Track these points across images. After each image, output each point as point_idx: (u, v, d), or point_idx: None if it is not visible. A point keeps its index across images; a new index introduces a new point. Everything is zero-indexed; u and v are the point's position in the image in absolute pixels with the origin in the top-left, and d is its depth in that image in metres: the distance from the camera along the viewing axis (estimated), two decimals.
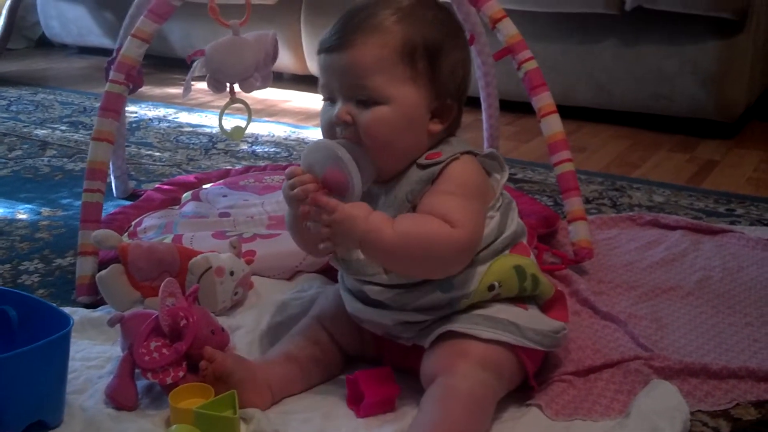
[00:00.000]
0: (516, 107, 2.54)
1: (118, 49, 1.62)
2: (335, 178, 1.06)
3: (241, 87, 1.69)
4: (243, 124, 1.78)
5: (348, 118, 1.08)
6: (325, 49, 1.10)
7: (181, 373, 1.11)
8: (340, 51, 1.08)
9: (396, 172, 1.11)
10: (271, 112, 2.95)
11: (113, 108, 1.50)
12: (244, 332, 1.29)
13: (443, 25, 1.12)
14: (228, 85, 1.68)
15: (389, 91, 1.07)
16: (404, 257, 1.05)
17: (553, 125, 1.57)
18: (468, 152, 1.11)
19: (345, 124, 1.08)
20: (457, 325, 1.07)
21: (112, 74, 1.51)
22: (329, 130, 1.12)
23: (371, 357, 1.21)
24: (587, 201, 1.91)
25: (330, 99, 1.12)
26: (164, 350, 1.12)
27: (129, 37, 1.52)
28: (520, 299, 1.14)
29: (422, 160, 1.10)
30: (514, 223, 1.16)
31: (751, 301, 1.41)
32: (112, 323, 1.18)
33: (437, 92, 1.09)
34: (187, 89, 1.69)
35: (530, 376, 1.12)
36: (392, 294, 1.11)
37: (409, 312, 1.11)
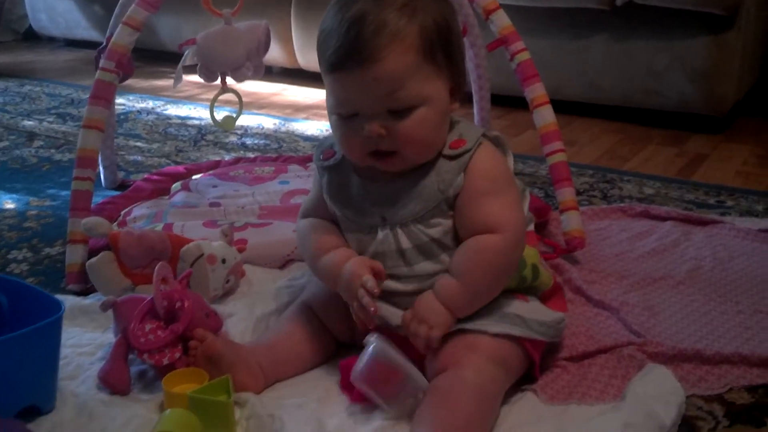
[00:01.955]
0: (507, 101, 2.54)
1: (109, 38, 1.61)
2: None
3: (232, 76, 1.68)
4: (234, 114, 1.77)
5: (383, 132, 1.04)
6: (341, 68, 1.03)
7: (177, 354, 1.10)
8: (362, 67, 1.01)
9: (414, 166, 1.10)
10: (261, 104, 2.94)
11: (104, 96, 1.49)
12: (236, 319, 1.28)
13: (438, 2, 1.09)
14: (219, 74, 1.68)
15: (422, 93, 1.04)
16: (481, 294, 1.08)
17: (545, 116, 1.57)
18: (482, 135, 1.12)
19: (379, 137, 1.05)
20: (469, 324, 1.08)
21: (102, 62, 1.50)
22: (357, 146, 1.07)
23: (362, 344, 1.20)
24: (578, 193, 1.91)
25: (351, 115, 1.06)
26: (159, 332, 1.11)
27: (120, 24, 1.51)
28: (519, 291, 1.15)
29: (447, 151, 1.08)
30: (525, 210, 1.17)
31: (742, 290, 1.42)
32: (104, 308, 1.17)
33: (453, 73, 1.08)
34: (178, 78, 1.68)
35: (536, 367, 1.13)
36: (408, 289, 1.11)
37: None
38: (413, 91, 1.03)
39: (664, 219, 1.73)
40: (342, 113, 1.07)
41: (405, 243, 1.09)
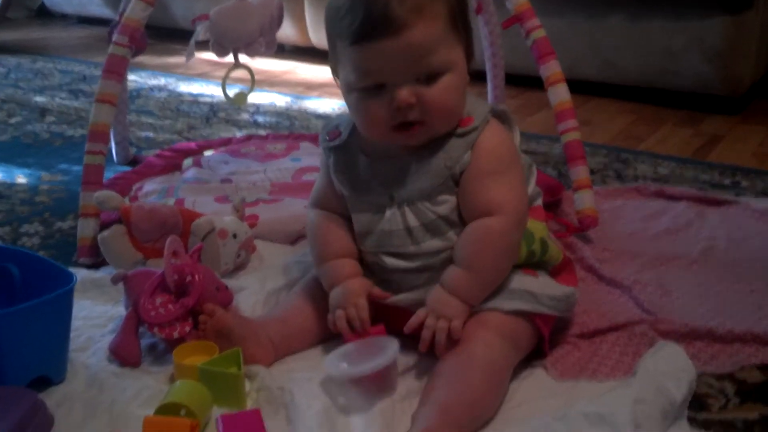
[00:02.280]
0: (521, 81, 2.52)
1: (122, 14, 1.61)
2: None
3: (245, 52, 1.68)
4: (246, 90, 1.77)
5: (413, 100, 1.04)
6: (369, 38, 1.01)
7: (187, 328, 1.11)
8: (393, 35, 1.00)
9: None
10: (273, 82, 2.94)
11: (116, 70, 1.49)
12: (247, 294, 1.28)
13: None
14: (232, 50, 1.68)
15: (450, 59, 1.04)
16: (489, 279, 1.08)
17: (560, 93, 1.56)
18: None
19: (409, 106, 1.04)
20: (481, 302, 1.08)
21: (115, 36, 1.49)
22: (382, 120, 1.06)
23: (372, 320, 1.20)
24: (592, 173, 1.88)
25: (377, 86, 1.05)
26: (170, 306, 1.11)
27: None
28: (528, 266, 1.14)
29: (457, 130, 1.08)
30: (531, 187, 1.17)
31: (755, 270, 1.40)
32: (115, 281, 1.17)
33: (467, 42, 1.09)
34: (190, 53, 1.68)
35: (545, 342, 1.13)
36: (413, 265, 1.11)
37: (429, 287, 1.10)
38: (442, 56, 1.03)
39: (678, 199, 1.72)
40: (368, 86, 1.05)
41: (412, 221, 1.09)
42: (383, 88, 1.04)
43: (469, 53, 1.09)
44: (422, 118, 1.05)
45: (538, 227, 1.15)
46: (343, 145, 1.14)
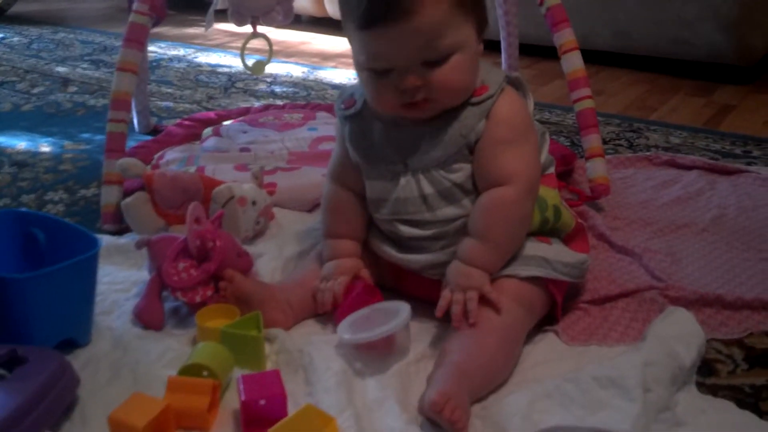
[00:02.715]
0: (535, 51, 2.53)
1: None
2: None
3: (263, 20, 1.69)
4: (264, 60, 1.79)
5: (419, 84, 1.05)
6: (376, 24, 1.02)
7: (209, 293, 1.14)
8: (400, 21, 1.00)
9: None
10: (289, 53, 2.95)
11: (137, 39, 1.51)
12: (266, 259, 1.32)
13: None
14: (250, 18, 1.69)
15: (457, 40, 1.04)
16: (505, 248, 1.10)
17: (574, 62, 1.57)
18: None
19: (415, 88, 1.05)
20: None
21: (136, 5, 1.51)
22: (390, 100, 1.07)
23: (389, 286, 1.23)
24: (604, 142, 1.91)
25: (385, 70, 1.05)
26: (192, 270, 1.14)
27: None
28: (542, 233, 1.16)
29: (472, 99, 1.09)
30: (545, 153, 1.19)
31: (765, 237, 1.42)
32: (139, 246, 1.20)
33: (478, 15, 1.08)
34: (209, 22, 1.70)
35: (558, 308, 1.15)
36: (427, 233, 1.13)
37: (440, 252, 1.13)
38: (449, 38, 1.03)
39: (689, 168, 1.73)
40: (373, 68, 1.06)
41: (427, 188, 1.11)
42: (391, 71, 1.05)
43: (481, 24, 1.09)
44: (430, 97, 1.06)
45: (550, 194, 1.17)
46: (359, 113, 1.16)
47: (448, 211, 1.11)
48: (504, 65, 1.97)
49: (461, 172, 1.10)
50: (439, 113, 1.09)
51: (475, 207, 1.10)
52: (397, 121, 1.12)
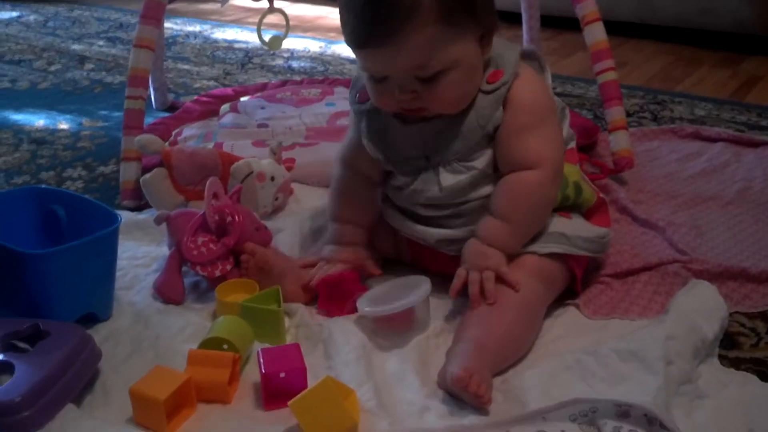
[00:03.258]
0: (556, 23, 2.50)
1: None
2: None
3: None
4: (281, 35, 1.78)
5: (413, 96, 1.03)
6: (363, 47, 1.01)
7: (228, 267, 1.14)
8: (382, 46, 0.99)
9: None
10: (306, 28, 2.93)
11: (154, 15, 1.51)
12: (285, 235, 1.31)
13: None
14: None
15: (449, 59, 1.01)
16: (526, 230, 1.08)
17: (596, 33, 1.54)
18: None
19: (411, 97, 1.04)
20: None
21: None
22: (388, 103, 1.06)
23: (407, 262, 1.23)
24: (628, 114, 1.87)
25: (382, 77, 1.04)
26: (211, 245, 1.14)
27: None
28: (563, 208, 1.15)
29: (485, 85, 1.06)
30: (565, 128, 1.17)
31: None
32: (158, 221, 1.20)
33: (481, 23, 1.03)
34: None
35: (578, 282, 1.14)
36: (445, 213, 1.12)
37: (456, 229, 1.12)
38: (438, 59, 1.00)
39: (714, 140, 1.71)
40: (372, 75, 1.05)
41: (449, 179, 1.09)
42: (387, 79, 1.03)
43: (487, 28, 1.04)
44: (426, 106, 1.05)
45: (572, 170, 1.15)
46: (375, 108, 1.11)
47: (468, 196, 1.10)
48: (525, 37, 1.94)
49: (483, 158, 1.08)
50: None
51: (499, 187, 1.08)
52: (410, 117, 1.09)
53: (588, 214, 1.19)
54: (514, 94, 1.06)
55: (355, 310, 1.08)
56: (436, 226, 1.13)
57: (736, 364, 1.02)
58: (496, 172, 1.09)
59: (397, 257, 1.24)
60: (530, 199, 1.07)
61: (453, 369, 0.93)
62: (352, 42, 1.02)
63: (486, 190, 1.09)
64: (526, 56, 1.12)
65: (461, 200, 1.10)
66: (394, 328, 1.05)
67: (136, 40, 1.50)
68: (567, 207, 1.16)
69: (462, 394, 0.93)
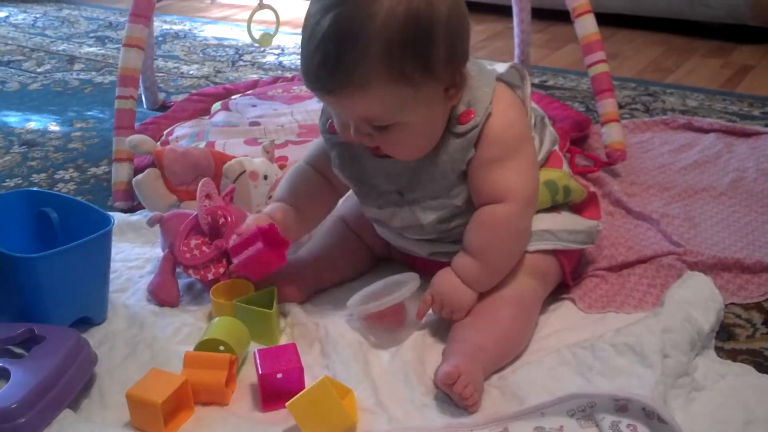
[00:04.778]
0: (547, 15, 2.49)
1: None
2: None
3: None
4: (271, 32, 1.77)
5: (369, 138, 1.00)
6: (313, 89, 0.97)
7: (221, 269, 1.13)
8: (330, 94, 0.96)
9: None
10: (297, 23, 2.91)
11: (143, 14, 1.50)
12: None
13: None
14: None
15: (398, 117, 0.96)
16: (500, 267, 1.06)
17: (587, 25, 1.54)
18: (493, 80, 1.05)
19: (365, 140, 1.00)
20: None
21: None
22: (352, 138, 1.01)
23: (399, 260, 1.22)
24: (620, 106, 1.87)
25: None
26: (204, 248, 1.14)
27: None
28: (552, 207, 1.14)
29: (457, 128, 1.02)
30: (547, 137, 1.15)
31: None
32: (152, 223, 1.20)
33: (443, 78, 0.97)
34: None
35: (567, 275, 1.14)
36: (433, 237, 1.12)
37: (446, 244, 1.11)
38: (390, 115, 0.96)
39: (707, 131, 1.71)
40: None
41: (427, 217, 1.08)
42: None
43: (451, 80, 0.98)
44: (383, 150, 1.02)
45: (558, 176, 1.13)
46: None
47: (452, 224, 1.09)
48: (516, 30, 1.94)
49: (461, 196, 1.06)
50: None
51: (470, 222, 1.06)
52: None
53: (578, 208, 1.18)
54: (486, 130, 1.02)
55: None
56: (426, 243, 1.13)
57: (733, 355, 1.03)
58: (474, 206, 1.07)
59: (390, 256, 1.23)
60: (501, 233, 1.04)
61: (443, 367, 0.93)
62: (305, 82, 0.98)
63: (465, 221, 1.07)
64: (505, 75, 1.08)
65: (446, 229, 1.10)
66: (385, 326, 1.05)
67: (125, 40, 1.49)
68: (557, 206, 1.15)
69: (450, 394, 0.93)
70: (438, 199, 1.06)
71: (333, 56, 0.92)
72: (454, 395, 0.92)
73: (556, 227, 1.11)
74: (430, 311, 1.07)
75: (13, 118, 1.99)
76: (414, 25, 0.91)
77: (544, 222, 1.11)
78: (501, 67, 1.08)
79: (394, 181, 1.07)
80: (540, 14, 2.34)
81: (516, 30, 1.94)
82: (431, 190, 1.06)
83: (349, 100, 0.95)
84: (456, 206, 1.07)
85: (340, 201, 1.25)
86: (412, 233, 1.12)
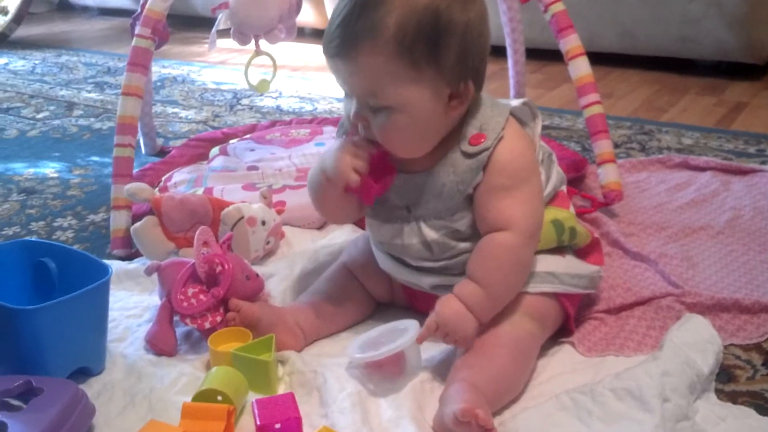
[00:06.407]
0: (541, 55, 2.52)
1: (143, 5, 1.63)
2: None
3: (266, 39, 1.69)
4: (268, 77, 1.79)
5: (364, 122, 1.04)
6: (327, 51, 1.03)
7: (218, 318, 1.13)
8: (341, 58, 1.01)
9: (432, 160, 1.07)
10: (294, 66, 2.95)
11: (141, 63, 1.51)
12: (277, 280, 1.31)
13: None
14: (253, 37, 1.69)
15: (396, 98, 1.00)
16: (503, 295, 1.06)
17: (581, 67, 1.56)
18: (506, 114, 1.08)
19: (363, 124, 1.05)
20: None
21: (138, 29, 1.52)
22: (349, 122, 1.07)
23: (402, 305, 1.23)
24: (616, 146, 1.90)
25: (347, 93, 1.06)
26: (201, 296, 1.14)
27: None
28: (557, 249, 1.15)
29: (467, 147, 1.05)
30: (554, 174, 1.16)
31: None
32: (149, 272, 1.20)
33: (449, 79, 1.01)
34: (212, 43, 1.70)
35: (570, 320, 1.13)
36: (436, 265, 1.12)
37: (449, 276, 1.12)
38: (388, 94, 1.00)
39: (703, 169, 1.72)
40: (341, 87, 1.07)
41: (431, 235, 1.09)
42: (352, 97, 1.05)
43: (456, 87, 1.02)
44: (376, 140, 1.05)
45: (566, 216, 1.14)
46: None
47: (455, 250, 1.10)
48: (511, 71, 1.96)
49: (464, 220, 1.08)
50: (432, 159, 1.07)
51: (474, 250, 1.07)
52: (396, 166, 1.08)
53: (582, 253, 1.19)
54: (495, 156, 1.04)
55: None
56: (429, 274, 1.13)
57: (733, 397, 1.02)
58: (478, 233, 1.08)
59: (391, 301, 1.24)
60: (502, 261, 1.05)
61: (454, 406, 0.92)
62: (323, 46, 1.04)
63: (470, 248, 1.08)
64: (517, 110, 1.10)
65: (449, 255, 1.10)
66: (384, 374, 1.05)
67: (123, 88, 1.51)
68: (561, 247, 1.15)
69: (468, 429, 0.91)
70: (441, 220, 1.08)
71: (356, 13, 0.98)
72: (475, 427, 0.90)
73: (560, 270, 1.11)
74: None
75: (11, 166, 2.00)
76: (432, 16, 0.98)
77: (548, 264, 1.11)
78: (515, 102, 1.11)
79: (404, 196, 1.09)
80: (534, 54, 2.37)
81: (511, 71, 1.96)
82: (436, 210, 1.08)
83: (355, 65, 1.00)
84: (458, 232, 1.08)
85: (346, 248, 1.26)
86: (418, 255, 1.11)
